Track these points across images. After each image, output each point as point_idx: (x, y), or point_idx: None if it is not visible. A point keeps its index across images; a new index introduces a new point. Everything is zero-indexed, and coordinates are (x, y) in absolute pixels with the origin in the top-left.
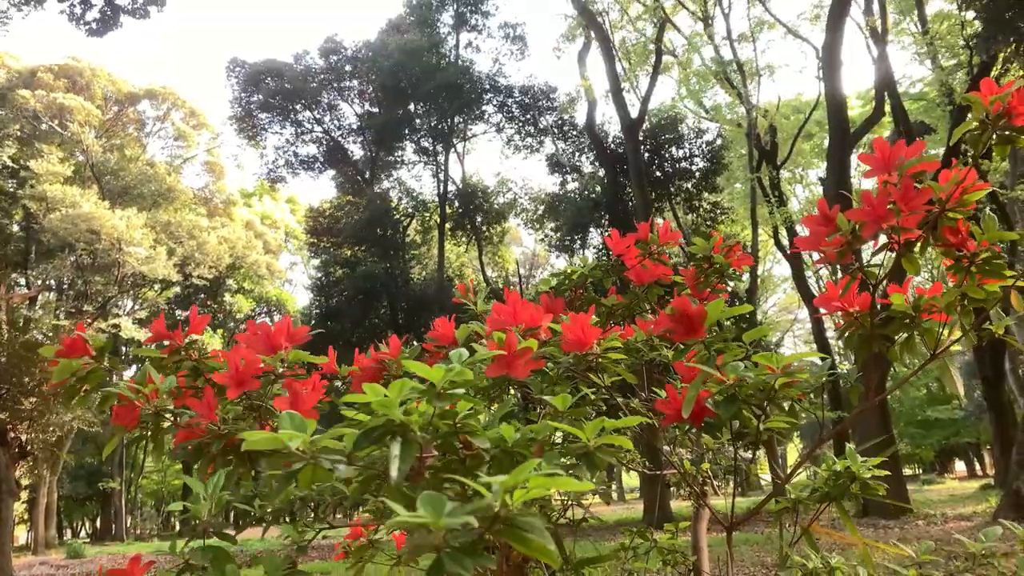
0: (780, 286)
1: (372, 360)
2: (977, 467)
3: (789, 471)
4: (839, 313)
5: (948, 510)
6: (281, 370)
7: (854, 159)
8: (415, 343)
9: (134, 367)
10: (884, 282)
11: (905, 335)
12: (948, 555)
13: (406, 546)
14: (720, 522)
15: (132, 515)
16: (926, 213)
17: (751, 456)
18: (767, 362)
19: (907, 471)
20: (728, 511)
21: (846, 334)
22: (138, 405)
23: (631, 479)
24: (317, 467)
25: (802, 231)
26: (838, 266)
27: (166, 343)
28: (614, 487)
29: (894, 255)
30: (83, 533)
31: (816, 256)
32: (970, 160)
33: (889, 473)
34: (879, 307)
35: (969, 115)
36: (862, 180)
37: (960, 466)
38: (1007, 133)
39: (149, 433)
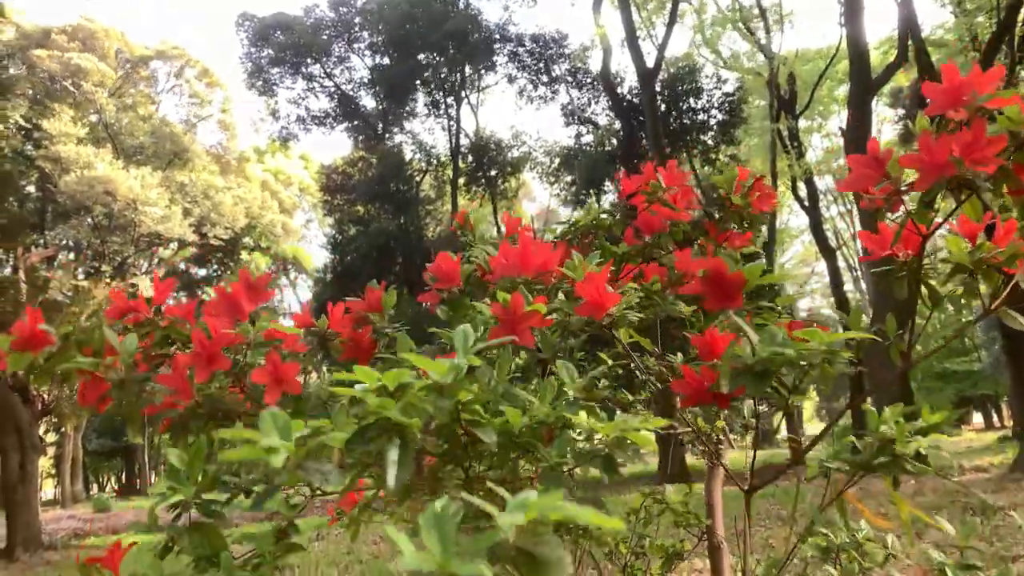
0: (798, 238)
1: (353, 318)
2: (995, 419)
3: (809, 443)
4: (883, 257)
5: (965, 462)
6: (255, 338)
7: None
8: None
9: None
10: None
11: (959, 284)
12: (964, 507)
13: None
14: (738, 484)
15: (155, 470)
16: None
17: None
18: (810, 337)
19: (921, 423)
20: (745, 468)
21: (893, 279)
22: (99, 376)
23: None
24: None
25: (820, 183)
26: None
27: (130, 315)
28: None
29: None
30: (109, 488)
31: (835, 210)
32: None
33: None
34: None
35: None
36: (882, 128)
37: (977, 418)
38: None
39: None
